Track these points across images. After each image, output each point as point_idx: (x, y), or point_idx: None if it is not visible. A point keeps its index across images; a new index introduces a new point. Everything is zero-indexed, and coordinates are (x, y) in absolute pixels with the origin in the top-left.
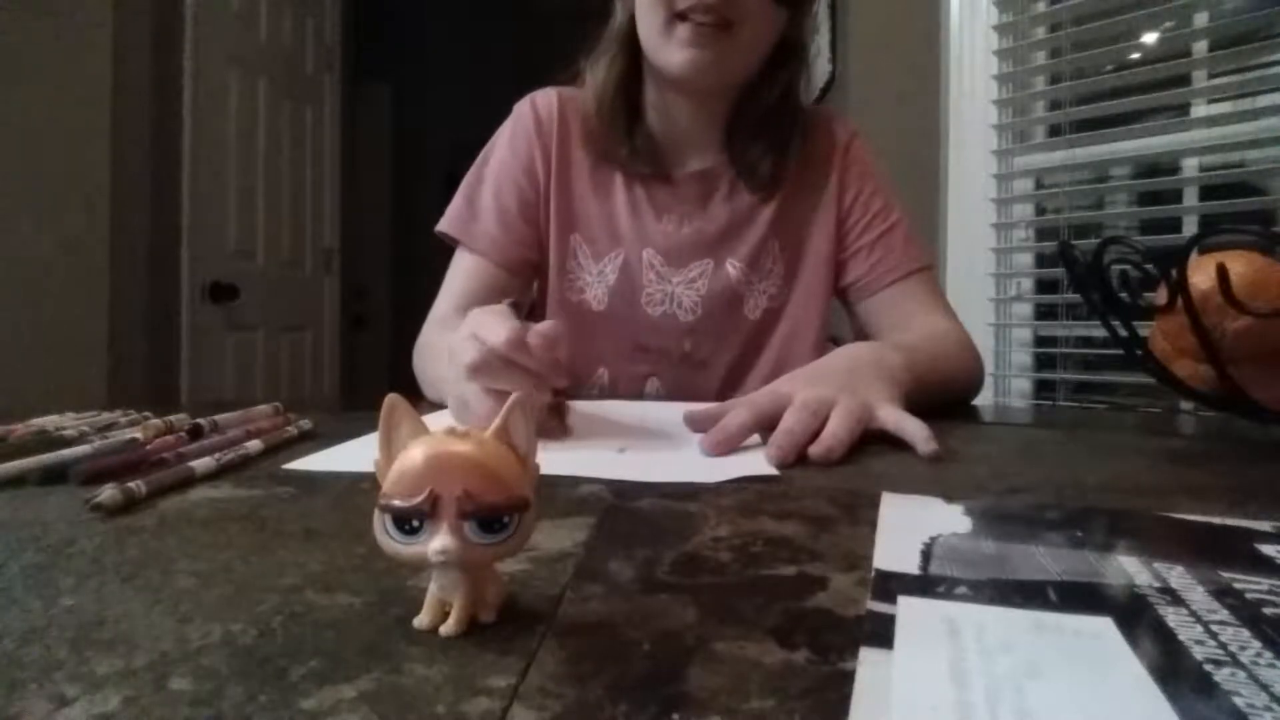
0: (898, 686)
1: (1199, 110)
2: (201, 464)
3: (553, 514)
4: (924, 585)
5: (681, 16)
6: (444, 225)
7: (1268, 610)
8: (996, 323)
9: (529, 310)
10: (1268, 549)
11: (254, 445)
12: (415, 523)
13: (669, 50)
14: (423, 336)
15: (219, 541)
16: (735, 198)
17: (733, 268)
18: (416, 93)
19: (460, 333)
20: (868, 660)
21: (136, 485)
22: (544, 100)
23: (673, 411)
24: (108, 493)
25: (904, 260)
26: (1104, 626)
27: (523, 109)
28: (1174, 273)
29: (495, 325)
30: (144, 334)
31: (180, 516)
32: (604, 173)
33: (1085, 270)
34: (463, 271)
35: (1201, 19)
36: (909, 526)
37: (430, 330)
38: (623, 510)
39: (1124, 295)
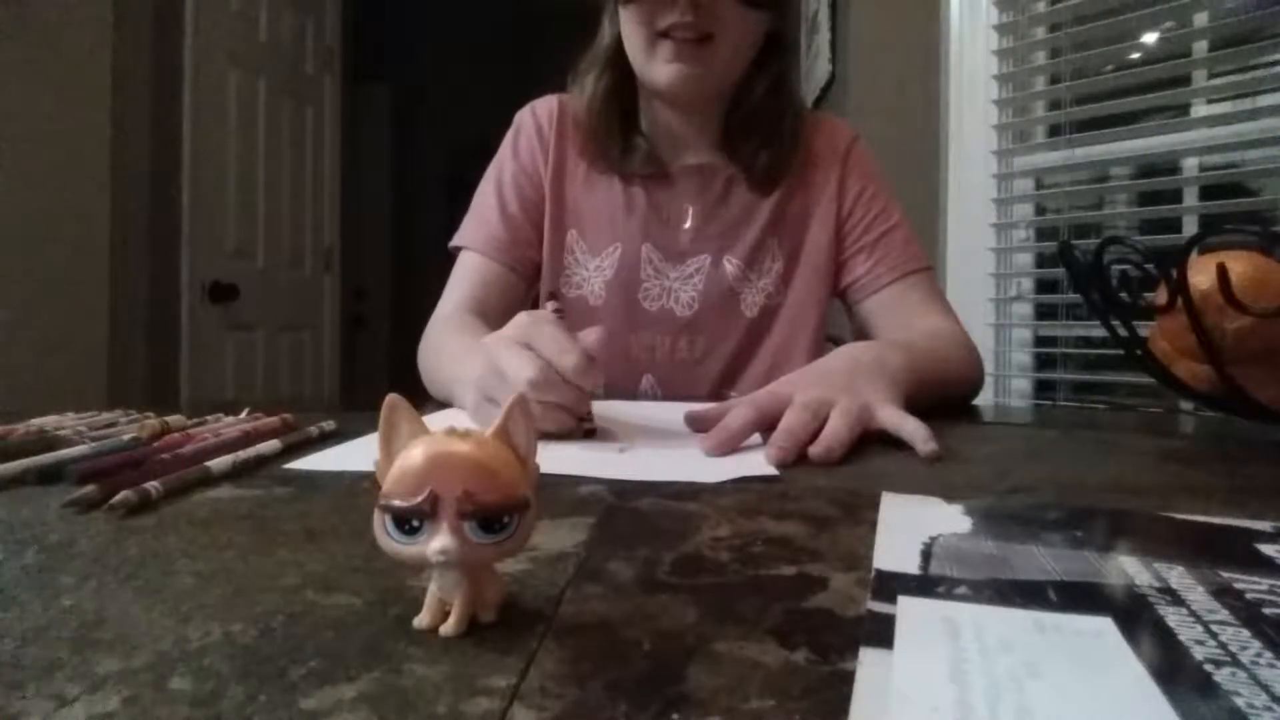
0: (898, 687)
1: (1199, 110)
2: (218, 463)
3: (553, 514)
4: (924, 585)
5: (664, 33)
6: (455, 240)
7: (1268, 610)
8: (996, 323)
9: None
10: (1268, 549)
11: (270, 446)
12: (415, 523)
13: (654, 67)
14: (427, 336)
15: (219, 541)
16: (733, 194)
17: (730, 264)
18: (416, 93)
19: (505, 334)
20: (868, 660)
21: (154, 487)
22: (544, 106)
23: (673, 411)
24: (122, 494)
25: (904, 260)
26: (1104, 626)
27: (524, 116)
28: (1174, 273)
29: (559, 342)
30: (144, 334)
31: (180, 516)
32: (602, 172)
33: (1085, 270)
34: (468, 271)
35: (1201, 19)
36: (909, 526)
37: (435, 330)
38: (623, 510)
39: (1124, 295)
